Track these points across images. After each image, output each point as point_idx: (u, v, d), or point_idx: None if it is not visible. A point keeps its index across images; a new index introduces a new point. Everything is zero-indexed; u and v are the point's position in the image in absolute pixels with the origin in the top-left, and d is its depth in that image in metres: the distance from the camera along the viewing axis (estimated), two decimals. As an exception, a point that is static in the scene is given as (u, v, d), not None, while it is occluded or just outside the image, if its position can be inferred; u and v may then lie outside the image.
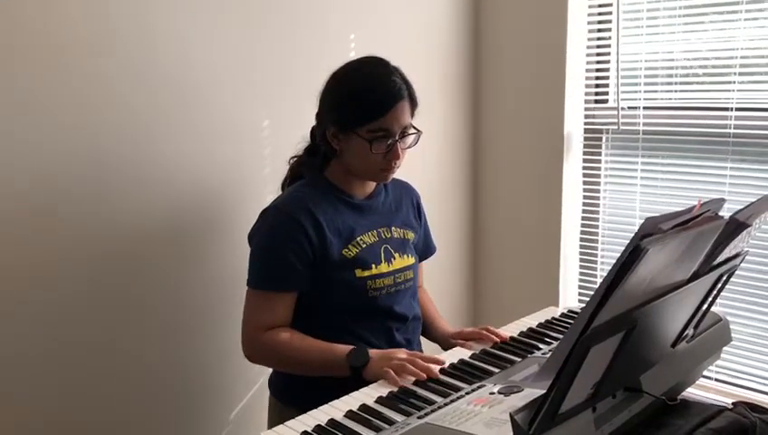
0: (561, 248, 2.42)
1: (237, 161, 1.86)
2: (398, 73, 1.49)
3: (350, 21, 2.07)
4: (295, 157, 1.63)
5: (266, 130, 1.90)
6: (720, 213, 1.02)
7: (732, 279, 1.97)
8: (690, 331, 1.30)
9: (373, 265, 1.50)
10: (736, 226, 0.96)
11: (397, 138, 1.46)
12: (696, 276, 1.01)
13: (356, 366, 1.35)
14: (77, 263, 1.60)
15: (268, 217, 1.50)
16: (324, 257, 1.47)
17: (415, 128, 1.50)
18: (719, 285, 1.23)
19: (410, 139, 1.50)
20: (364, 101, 1.45)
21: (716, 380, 2.20)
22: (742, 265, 1.99)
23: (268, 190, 1.88)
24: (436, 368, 1.31)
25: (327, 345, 1.43)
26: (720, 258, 1.06)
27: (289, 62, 1.94)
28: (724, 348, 2.11)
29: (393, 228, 1.58)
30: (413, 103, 1.50)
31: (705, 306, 1.26)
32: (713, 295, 1.24)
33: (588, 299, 0.96)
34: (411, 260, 1.59)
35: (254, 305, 1.48)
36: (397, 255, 1.56)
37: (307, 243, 1.45)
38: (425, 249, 1.74)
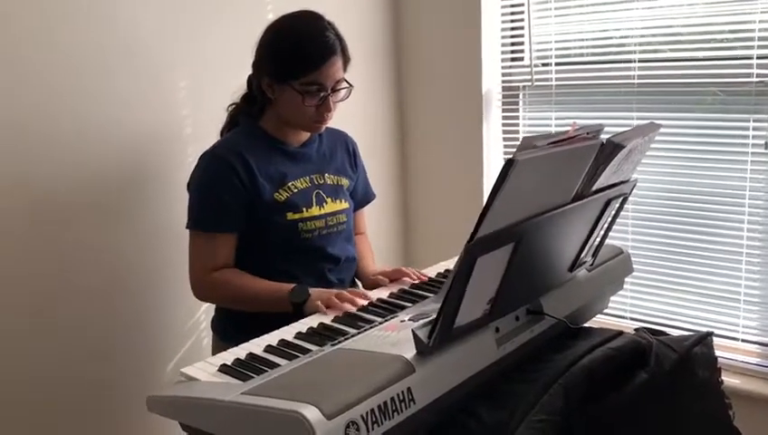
0: (484, 201, 2.51)
1: (157, 123, 1.88)
2: (332, 28, 1.54)
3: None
4: (233, 104, 1.67)
5: (183, 91, 1.92)
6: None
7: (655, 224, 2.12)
8: (589, 259, 1.39)
9: (304, 209, 1.57)
10: (612, 147, 1.04)
11: (329, 91, 1.52)
12: (579, 198, 1.09)
13: (297, 302, 1.43)
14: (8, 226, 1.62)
15: (202, 162, 1.56)
16: (257, 200, 1.53)
17: (347, 82, 1.56)
18: (612, 212, 1.32)
19: (342, 93, 1.57)
20: (298, 55, 1.50)
21: (632, 319, 2.33)
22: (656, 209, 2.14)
23: (190, 151, 1.91)
24: (360, 299, 1.39)
25: (272, 283, 1.50)
26: (603, 182, 1.14)
27: (208, 24, 1.96)
28: (644, 289, 2.26)
29: (327, 175, 1.65)
30: (345, 58, 1.55)
31: (601, 232, 1.35)
32: (607, 222, 1.33)
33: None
34: (344, 205, 1.66)
35: (197, 247, 1.54)
36: (329, 199, 1.63)
37: (240, 184, 1.51)
38: (364, 195, 1.81)
